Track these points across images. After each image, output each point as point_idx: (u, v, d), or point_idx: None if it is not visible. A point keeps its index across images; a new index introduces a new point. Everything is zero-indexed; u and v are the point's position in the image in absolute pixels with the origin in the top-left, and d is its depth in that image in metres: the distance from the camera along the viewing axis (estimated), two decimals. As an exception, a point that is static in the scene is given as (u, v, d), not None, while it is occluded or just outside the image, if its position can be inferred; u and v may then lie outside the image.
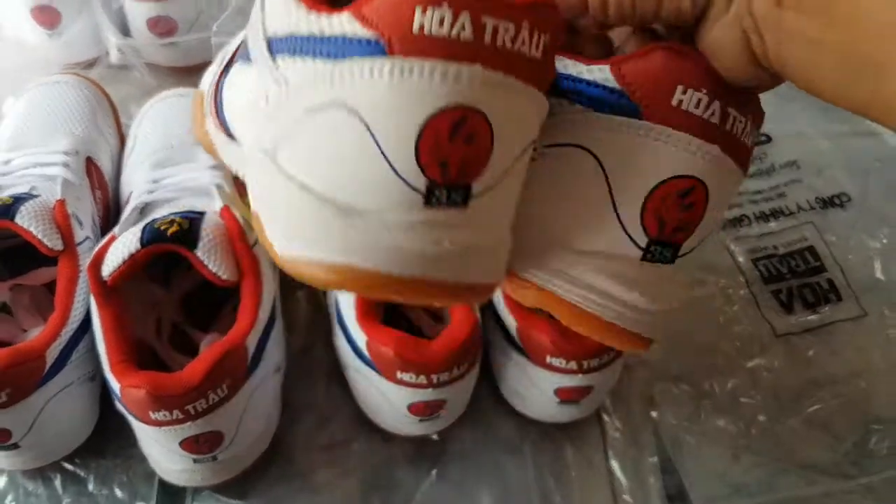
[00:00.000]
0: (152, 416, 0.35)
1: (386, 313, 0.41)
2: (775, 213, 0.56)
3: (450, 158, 0.22)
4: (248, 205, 0.45)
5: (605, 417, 0.46)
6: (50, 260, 0.42)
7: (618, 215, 0.26)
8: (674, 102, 0.26)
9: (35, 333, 0.41)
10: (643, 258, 0.27)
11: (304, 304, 0.50)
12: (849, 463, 0.44)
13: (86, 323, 0.42)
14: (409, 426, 0.43)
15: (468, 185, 0.23)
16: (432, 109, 0.22)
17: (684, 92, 0.26)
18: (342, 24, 0.23)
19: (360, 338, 0.39)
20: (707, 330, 0.50)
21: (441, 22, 0.22)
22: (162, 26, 0.60)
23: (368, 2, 0.22)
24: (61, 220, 0.42)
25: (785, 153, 0.60)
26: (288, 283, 0.49)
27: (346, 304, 0.41)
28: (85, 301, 0.42)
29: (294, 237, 0.25)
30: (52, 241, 0.41)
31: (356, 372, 0.42)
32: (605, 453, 0.44)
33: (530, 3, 0.23)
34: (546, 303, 0.28)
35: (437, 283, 0.24)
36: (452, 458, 0.44)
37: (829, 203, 0.57)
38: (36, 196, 0.43)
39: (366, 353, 0.39)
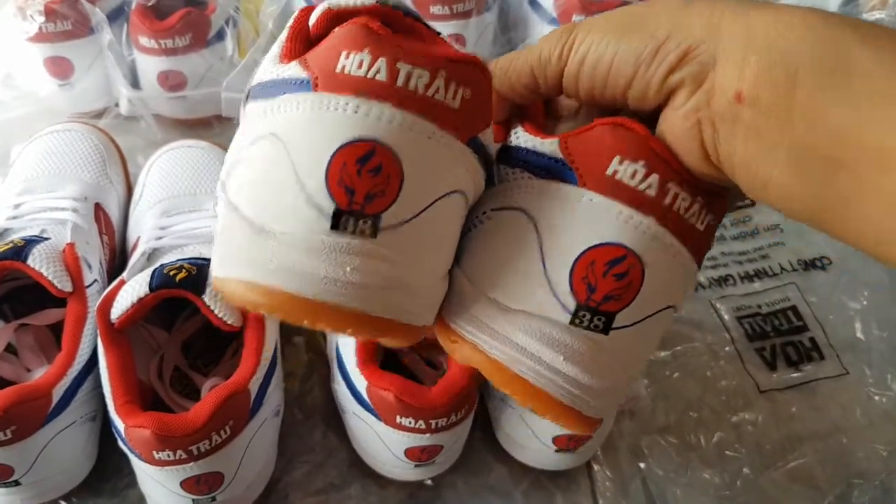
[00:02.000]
0: (156, 455, 0.36)
1: (384, 361, 0.42)
2: (759, 274, 0.58)
3: (356, 186, 0.24)
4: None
5: (596, 467, 0.47)
6: (55, 301, 0.44)
7: (547, 277, 0.27)
8: (608, 172, 0.27)
9: (40, 373, 0.42)
10: (571, 322, 0.26)
11: (302, 350, 0.51)
12: (832, 516, 0.45)
13: (90, 364, 0.42)
14: (404, 471, 0.43)
15: (376, 215, 0.25)
16: (343, 140, 0.24)
17: (620, 163, 0.26)
18: (291, 69, 0.26)
19: (361, 382, 0.40)
20: (694, 384, 0.51)
21: (360, 64, 0.24)
22: (172, 80, 0.62)
23: (312, 50, 0.26)
24: (71, 263, 0.43)
25: (768, 217, 0.63)
26: (287, 330, 0.50)
27: (346, 349, 0.42)
28: (91, 342, 0.43)
29: (226, 259, 0.26)
30: (62, 283, 0.42)
31: (355, 416, 0.43)
32: (594, 502, 0.45)
33: (451, 57, 0.25)
34: (474, 359, 0.28)
35: (353, 314, 0.25)
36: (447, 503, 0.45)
37: (810, 265, 0.59)
38: (47, 239, 0.44)
39: (366, 397, 0.40)
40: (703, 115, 0.25)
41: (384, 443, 0.41)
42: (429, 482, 0.45)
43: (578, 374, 0.27)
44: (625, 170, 0.26)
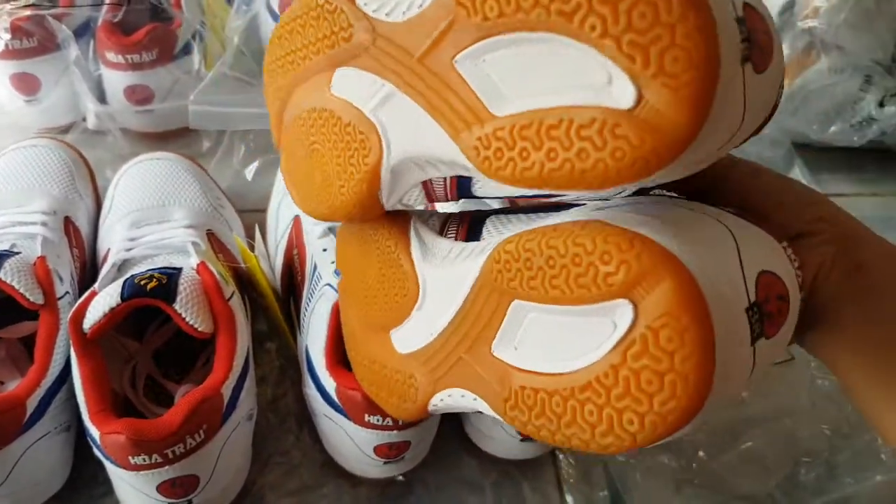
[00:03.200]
0: (132, 460, 0.37)
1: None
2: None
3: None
4: (222, 261, 0.48)
5: (560, 455, 0.49)
6: (26, 314, 0.44)
7: (742, 269, 0.26)
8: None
9: (13, 386, 0.43)
10: (747, 309, 0.26)
11: (274, 356, 0.52)
12: (781, 493, 0.48)
13: (63, 375, 0.43)
14: (375, 469, 0.45)
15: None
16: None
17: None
18: None
19: (330, 384, 0.42)
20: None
21: None
22: (139, 94, 0.63)
23: None
24: (42, 276, 0.44)
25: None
26: (259, 336, 0.52)
27: (315, 353, 0.43)
28: (63, 353, 0.44)
29: None
30: (33, 296, 0.43)
31: (325, 418, 0.44)
32: (559, 489, 0.48)
33: None
34: None
35: None
36: (418, 499, 0.47)
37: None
38: (17, 253, 0.45)
39: (335, 398, 0.42)
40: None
41: (354, 442, 0.43)
42: (400, 478, 0.47)
43: None
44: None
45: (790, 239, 0.30)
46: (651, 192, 0.30)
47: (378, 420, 0.40)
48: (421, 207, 0.33)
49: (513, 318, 0.27)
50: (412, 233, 0.33)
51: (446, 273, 0.31)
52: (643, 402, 0.23)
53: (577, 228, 0.25)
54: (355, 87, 0.30)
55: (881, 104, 0.62)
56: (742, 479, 0.48)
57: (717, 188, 0.33)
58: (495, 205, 0.37)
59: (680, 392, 0.23)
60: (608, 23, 0.21)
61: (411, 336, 0.32)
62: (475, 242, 0.31)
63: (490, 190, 0.30)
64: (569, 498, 0.47)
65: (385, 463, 0.44)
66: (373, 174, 0.30)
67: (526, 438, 0.46)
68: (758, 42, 0.24)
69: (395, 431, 0.41)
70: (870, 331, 0.30)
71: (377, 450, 0.43)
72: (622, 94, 0.22)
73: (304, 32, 0.32)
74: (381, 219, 0.34)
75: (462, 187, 0.31)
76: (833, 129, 0.64)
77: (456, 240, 0.32)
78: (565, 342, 0.26)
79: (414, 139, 0.28)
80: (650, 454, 0.49)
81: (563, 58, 0.23)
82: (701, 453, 0.49)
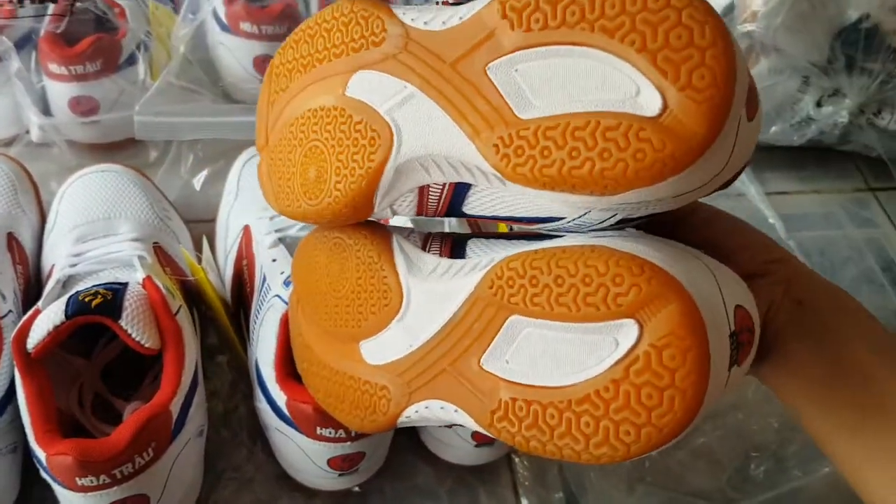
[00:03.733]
0: (79, 482, 0.37)
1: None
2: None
3: None
4: (169, 275, 0.48)
5: (516, 459, 0.49)
6: (-31, 335, 0.44)
7: (723, 298, 0.29)
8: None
9: (-45, 408, 0.42)
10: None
11: (225, 369, 0.52)
12: (731, 488, 0.49)
13: (8, 395, 0.43)
14: (330, 481, 0.45)
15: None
16: None
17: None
18: None
19: (281, 398, 0.42)
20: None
21: None
22: (84, 106, 0.62)
23: None
24: (-16, 296, 0.43)
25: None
26: (209, 350, 0.51)
27: (265, 366, 0.43)
28: (8, 373, 0.43)
29: None
30: (-26, 316, 0.42)
31: (278, 432, 0.44)
32: (515, 493, 0.48)
33: None
34: None
35: None
36: (375, 509, 0.47)
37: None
38: (-43, 272, 0.44)
39: (286, 412, 0.41)
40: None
41: (307, 455, 0.43)
42: (356, 489, 0.47)
43: None
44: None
45: (746, 278, 0.32)
46: (626, 229, 0.32)
47: (330, 432, 0.40)
48: (408, 215, 0.34)
49: (508, 332, 0.29)
50: (395, 246, 0.34)
51: (433, 287, 0.32)
52: (641, 414, 0.25)
53: (587, 251, 0.27)
54: (375, 88, 0.31)
55: (819, 104, 0.64)
56: (694, 474, 0.49)
57: (681, 230, 0.35)
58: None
59: (677, 406, 0.25)
60: (647, 40, 0.25)
61: (387, 347, 0.33)
62: (463, 260, 0.32)
63: (482, 205, 0.32)
64: (524, 501, 0.47)
65: (340, 475, 0.44)
66: (376, 171, 0.31)
67: (481, 444, 0.46)
68: (752, 88, 0.28)
69: (348, 443, 0.41)
70: (812, 361, 0.33)
71: (331, 462, 0.43)
72: (649, 103, 0.25)
73: (328, 36, 0.33)
74: (361, 229, 0.35)
75: (455, 199, 0.32)
76: (774, 128, 0.65)
77: (441, 256, 0.33)
78: (564, 356, 0.27)
79: (428, 138, 0.30)
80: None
81: (594, 70, 0.26)
82: (653, 452, 0.50)
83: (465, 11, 0.29)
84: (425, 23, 0.30)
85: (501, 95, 0.28)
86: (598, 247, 0.27)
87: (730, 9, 0.60)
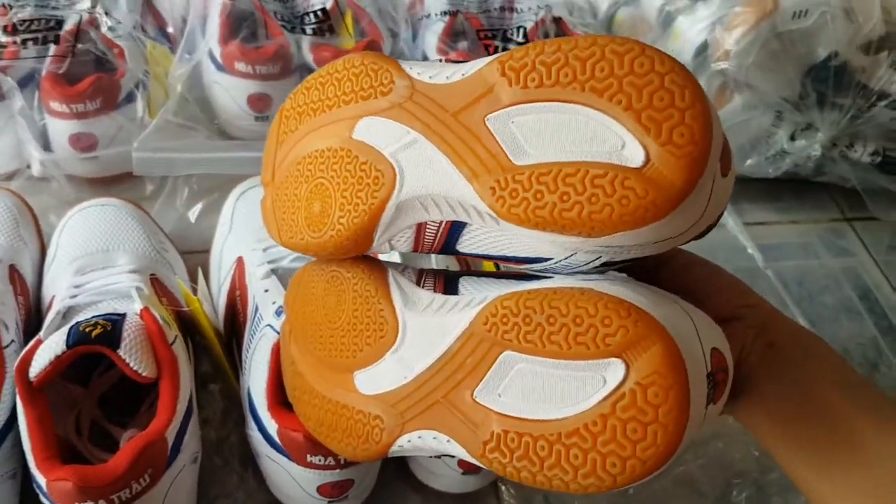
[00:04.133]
0: (78, 507, 0.38)
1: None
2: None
3: None
4: (165, 305, 0.49)
5: (502, 487, 0.51)
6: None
7: (700, 340, 0.30)
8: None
9: (-43, 436, 0.43)
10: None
11: (218, 397, 0.53)
12: (713, 516, 0.50)
13: (9, 423, 0.44)
14: None
15: None
16: None
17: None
18: None
19: (272, 426, 0.43)
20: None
21: None
22: (83, 142, 0.64)
23: None
24: (-12, 326, 0.45)
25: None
26: (202, 378, 0.53)
27: (257, 394, 0.45)
28: (9, 401, 0.44)
29: None
30: (-22, 346, 0.44)
31: (268, 459, 0.45)
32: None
33: None
34: None
35: None
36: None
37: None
38: (-39, 303, 0.46)
39: (277, 440, 0.43)
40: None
41: (297, 482, 0.44)
42: (344, 516, 0.48)
43: None
44: None
45: (720, 321, 0.34)
46: (609, 273, 0.34)
47: (320, 460, 0.42)
48: (404, 251, 0.36)
49: (501, 367, 0.31)
50: (391, 280, 0.36)
51: (428, 321, 0.34)
52: (627, 447, 0.27)
53: (578, 293, 0.30)
54: (380, 133, 0.34)
55: (792, 138, 0.66)
56: (677, 502, 0.51)
57: (660, 275, 0.37)
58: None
59: (660, 440, 0.27)
60: (633, 100, 0.28)
61: (381, 378, 0.34)
62: (457, 296, 0.34)
63: (475, 243, 0.34)
64: (510, 527, 0.49)
65: (330, 502, 0.45)
66: (379, 207, 0.33)
67: (468, 472, 0.47)
68: (726, 148, 0.30)
69: (337, 470, 0.42)
70: (783, 401, 0.35)
71: (321, 489, 0.44)
72: (633, 155, 0.28)
73: (339, 85, 0.36)
74: (358, 263, 0.37)
75: (451, 237, 0.34)
76: (749, 161, 0.68)
77: (435, 291, 0.35)
78: (553, 392, 0.29)
79: (429, 179, 0.32)
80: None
81: (583, 125, 0.29)
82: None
83: (467, 68, 0.32)
84: (430, 77, 0.33)
85: (499, 143, 0.30)
86: (588, 289, 0.30)
87: (703, 48, 0.62)
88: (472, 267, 0.48)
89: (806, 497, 0.35)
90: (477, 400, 0.31)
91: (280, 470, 0.45)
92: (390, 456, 0.35)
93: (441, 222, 0.33)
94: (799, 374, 0.35)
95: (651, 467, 0.27)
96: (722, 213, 0.33)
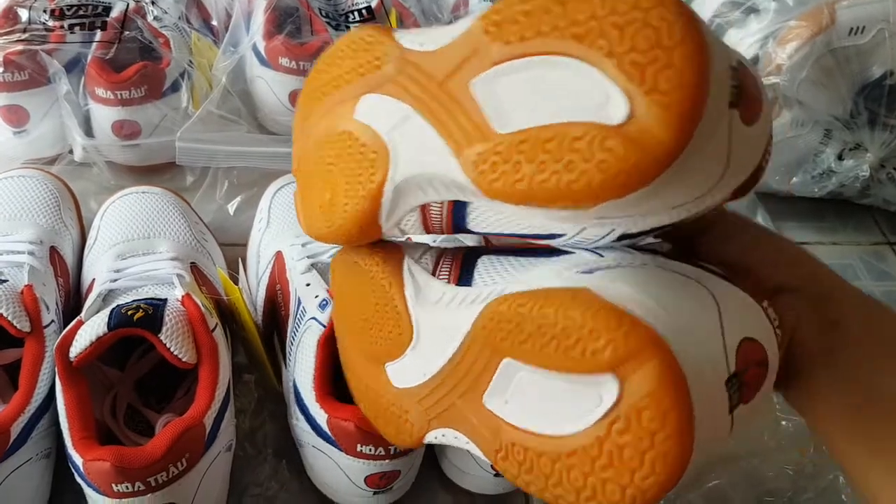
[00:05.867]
0: (115, 488, 0.38)
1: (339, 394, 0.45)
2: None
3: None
4: (205, 294, 0.49)
5: (531, 492, 0.50)
6: (10, 341, 0.45)
7: (724, 339, 0.27)
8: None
9: (-6, 412, 0.43)
10: (727, 382, 0.27)
11: (252, 387, 0.53)
12: (745, 533, 0.49)
13: (46, 402, 0.44)
14: (363, 499, 0.46)
15: None
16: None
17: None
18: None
19: (321, 416, 0.43)
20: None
21: None
22: (126, 129, 0.64)
23: None
24: (30, 304, 0.45)
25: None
26: (237, 368, 0.52)
27: (304, 386, 0.44)
28: (48, 381, 0.44)
29: None
30: (21, 324, 0.44)
31: (314, 449, 0.45)
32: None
33: None
34: None
35: None
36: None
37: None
38: (5, 280, 0.46)
39: (326, 429, 0.42)
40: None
41: (344, 473, 0.44)
42: (375, 512, 0.48)
43: None
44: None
45: (770, 294, 0.30)
46: (638, 240, 0.31)
47: (370, 450, 0.41)
48: (418, 234, 0.35)
49: (504, 374, 0.28)
50: (406, 272, 0.34)
51: (438, 319, 0.32)
52: (624, 475, 0.24)
53: (569, 299, 0.26)
54: (378, 111, 0.32)
55: (840, 157, 0.65)
56: (707, 517, 0.50)
57: (699, 243, 0.34)
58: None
59: (659, 469, 0.24)
60: (614, 43, 0.23)
61: (406, 373, 0.33)
62: (467, 289, 0.32)
63: (483, 222, 0.32)
64: (540, 531, 0.48)
65: (374, 493, 0.45)
66: (377, 191, 0.32)
67: (498, 473, 0.47)
68: (747, 92, 0.25)
69: (387, 461, 0.42)
70: (842, 390, 0.31)
71: (368, 480, 0.44)
72: (616, 111, 0.24)
73: (341, 64, 0.34)
74: (375, 253, 0.36)
75: (457, 217, 0.32)
76: (795, 179, 0.67)
77: (448, 282, 0.33)
78: (555, 404, 0.27)
79: (419, 158, 0.30)
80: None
81: (567, 81, 0.25)
82: (668, 490, 0.51)
83: (455, 30, 0.29)
84: (421, 44, 0.30)
85: (482, 111, 0.27)
86: (582, 291, 0.26)
87: (754, 62, 0.62)
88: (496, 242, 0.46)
89: (861, 493, 0.31)
90: (487, 406, 0.29)
91: (327, 460, 0.44)
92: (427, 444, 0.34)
93: (443, 203, 0.31)
94: (864, 361, 0.30)
95: (653, 497, 0.24)
96: (761, 168, 0.28)
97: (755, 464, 0.53)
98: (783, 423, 0.55)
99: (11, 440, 0.41)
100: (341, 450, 0.42)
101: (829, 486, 0.51)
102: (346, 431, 0.41)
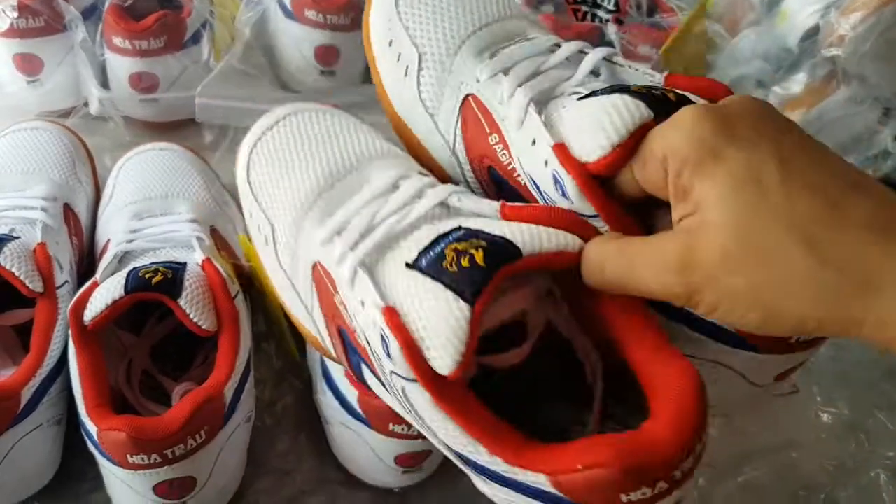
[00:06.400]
0: (130, 459, 0.36)
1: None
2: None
3: None
4: (226, 259, 0.47)
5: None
6: (18, 301, 0.43)
7: None
8: None
9: (5, 375, 0.42)
10: None
11: (273, 358, 0.51)
12: (780, 529, 0.48)
13: (59, 366, 0.42)
14: (393, 477, 0.44)
15: None
16: None
17: None
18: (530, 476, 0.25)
19: (351, 393, 0.41)
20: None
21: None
22: (145, 82, 0.62)
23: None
24: (43, 263, 0.43)
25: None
26: (257, 337, 0.50)
27: (333, 362, 0.42)
28: (60, 344, 0.42)
29: None
30: (33, 283, 0.42)
31: (343, 426, 0.43)
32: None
33: None
34: None
35: None
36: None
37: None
38: (17, 238, 0.44)
39: (357, 407, 0.41)
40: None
41: (374, 451, 0.42)
42: (396, 489, 0.46)
43: None
44: None
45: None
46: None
47: (402, 429, 0.40)
48: None
49: None
50: None
51: None
52: None
53: None
54: None
55: (897, 138, 0.62)
56: (741, 510, 0.48)
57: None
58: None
59: None
60: None
61: None
62: None
63: None
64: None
65: (404, 472, 0.43)
66: None
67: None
68: None
69: (419, 440, 0.40)
70: None
71: (398, 459, 0.42)
72: None
73: None
74: None
75: None
76: (848, 160, 0.64)
77: None
78: None
79: None
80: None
81: None
82: (701, 481, 0.49)
83: None
84: None
85: None
86: None
87: (814, 31, 0.58)
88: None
89: None
90: None
91: (355, 437, 0.43)
92: None
93: None
94: None
95: None
96: None
97: (793, 457, 0.51)
98: (823, 415, 0.53)
99: (22, 405, 0.39)
100: (372, 428, 0.41)
101: (871, 484, 0.49)
102: (378, 410, 0.39)
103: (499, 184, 0.34)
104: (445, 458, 0.46)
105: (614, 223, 0.28)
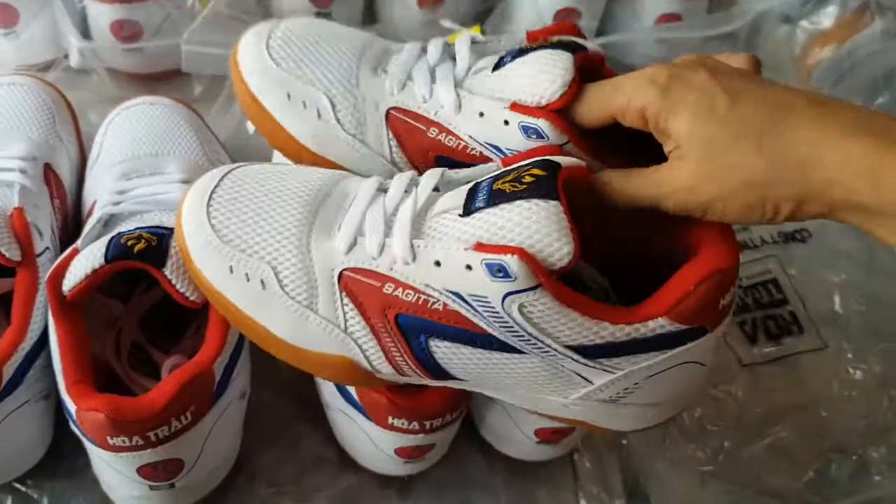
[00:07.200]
0: (110, 441, 0.34)
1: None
2: (740, 246, 0.57)
3: None
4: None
5: (576, 457, 0.46)
6: (3, 271, 0.40)
7: None
8: None
9: (-14, 348, 0.39)
10: None
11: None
12: (811, 492, 0.45)
13: (43, 338, 0.40)
14: (393, 467, 0.43)
15: None
16: None
17: None
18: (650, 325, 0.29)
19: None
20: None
21: None
22: (126, 30, 0.58)
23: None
24: (20, 229, 0.40)
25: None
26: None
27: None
28: (43, 315, 0.40)
29: None
30: (10, 252, 0.39)
31: (341, 413, 0.42)
32: (574, 485, 0.45)
33: None
34: None
35: None
36: (421, 493, 0.44)
37: (790, 238, 0.59)
38: (-9, 203, 0.41)
39: (355, 397, 0.39)
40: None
41: (373, 441, 0.40)
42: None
43: None
44: None
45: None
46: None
47: (402, 423, 0.38)
48: None
49: None
50: None
51: None
52: None
53: None
54: None
55: (935, 76, 0.58)
56: (771, 473, 0.46)
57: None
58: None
59: None
60: None
61: None
62: None
63: None
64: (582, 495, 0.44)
65: (406, 462, 0.42)
66: None
67: (543, 441, 0.43)
68: None
69: (420, 435, 0.39)
70: None
71: (399, 451, 0.40)
72: None
73: None
74: None
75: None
76: (879, 100, 0.59)
77: None
78: None
79: None
80: (674, 443, 0.46)
81: None
82: (727, 443, 0.47)
83: None
84: None
85: None
86: None
87: (846, -41, 0.54)
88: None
89: None
90: None
91: (354, 426, 0.41)
92: None
93: None
94: None
95: None
96: None
97: (823, 415, 0.48)
98: (853, 371, 0.51)
99: (5, 380, 0.37)
100: (371, 420, 0.38)
101: (904, 442, 0.47)
102: (377, 404, 0.37)
103: (450, 167, 0.36)
104: (452, 444, 0.44)
105: (579, 143, 0.35)
